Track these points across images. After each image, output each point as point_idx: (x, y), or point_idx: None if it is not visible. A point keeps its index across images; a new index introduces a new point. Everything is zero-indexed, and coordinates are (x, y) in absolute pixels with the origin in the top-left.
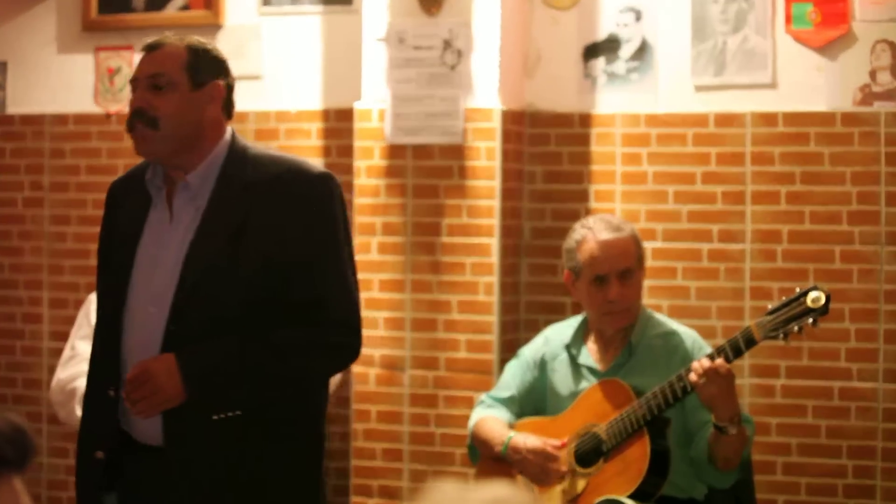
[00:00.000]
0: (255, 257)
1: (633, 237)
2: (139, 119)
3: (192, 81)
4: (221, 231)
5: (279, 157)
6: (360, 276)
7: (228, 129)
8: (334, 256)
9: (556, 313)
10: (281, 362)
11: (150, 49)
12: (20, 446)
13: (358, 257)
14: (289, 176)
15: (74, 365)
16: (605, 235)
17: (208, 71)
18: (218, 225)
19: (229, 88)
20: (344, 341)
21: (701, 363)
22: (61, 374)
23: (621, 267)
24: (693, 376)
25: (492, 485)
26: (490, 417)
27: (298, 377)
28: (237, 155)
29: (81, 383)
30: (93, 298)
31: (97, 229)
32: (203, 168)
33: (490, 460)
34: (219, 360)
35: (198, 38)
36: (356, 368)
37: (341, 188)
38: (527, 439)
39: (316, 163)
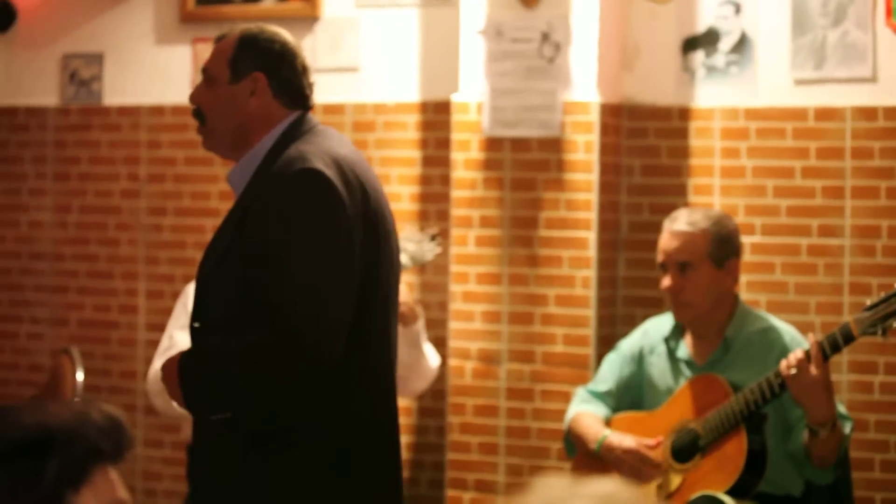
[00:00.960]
0: (244, 254)
1: (706, 234)
2: (194, 114)
3: (232, 75)
4: (229, 229)
5: (297, 149)
6: (457, 268)
7: (287, 120)
8: (293, 259)
9: (654, 308)
10: (222, 368)
11: (215, 42)
12: (116, 438)
13: (454, 250)
14: (276, 170)
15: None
16: (675, 226)
17: (249, 63)
18: (230, 222)
19: (282, 78)
20: (276, 350)
21: (795, 354)
22: (158, 364)
23: (679, 259)
24: (784, 366)
25: (600, 480)
26: (586, 413)
27: (240, 385)
28: (280, 147)
29: None
30: (190, 289)
31: (194, 221)
32: (244, 162)
33: (586, 456)
34: (191, 363)
35: (259, 27)
36: (452, 361)
37: (327, 186)
38: (622, 439)
39: (412, 155)
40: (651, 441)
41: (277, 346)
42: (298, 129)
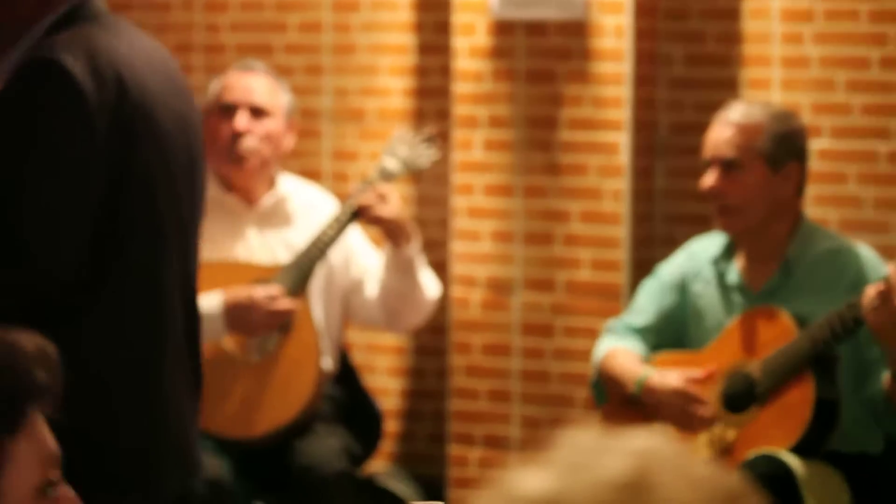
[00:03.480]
0: None
1: (761, 128)
2: None
3: None
4: None
5: (52, 39)
6: (461, 178)
7: (64, 7)
8: (4, 169)
9: (698, 226)
10: None
11: None
12: (49, 373)
13: (457, 156)
14: (19, 63)
15: None
16: (726, 116)
17: None
18: None
19: None
20: None
21: (877, 285)
22: None
23: (725, 155)
24: (864, 300)
25: (637, 432)
26: (620, 349)
27: None
28: (45, 37)
29: None
30: None
31: None
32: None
33: (619, 403)
34: None
35: None
36: (455, 291)
37: (65, 83)
38: (665, 376)
39: (405, 41)
40: (700, 372)
41: None
42: (75, 16)
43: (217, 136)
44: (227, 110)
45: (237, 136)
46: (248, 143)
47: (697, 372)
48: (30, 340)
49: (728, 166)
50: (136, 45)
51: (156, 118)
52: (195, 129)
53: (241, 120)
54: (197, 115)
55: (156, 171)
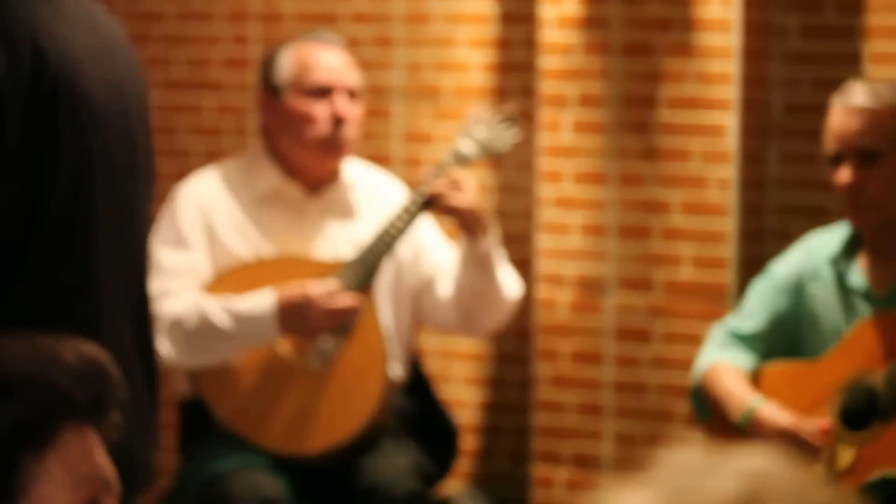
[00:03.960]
0: None
1: (891, 111)
2: None
3: None
4: None
5: None
6: (547, 164)
7: None
8: None
9: (817, 219)
10: None
11: None
12: (95, 387)
13: (543, 139)
14: None
15: (156, 281)
16: (853, 101)
17: None
18: None
19: None
20: None
21: None
22: None
23: (861, 145)
24: None
25: (750, 450)
26: (725, 366)
27: None
28: None
29: (171, 307)
30: (187, 194)
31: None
32: None
33: (724, 419)
34: None
35: None
36: (540, 291)
37: None
38: (777, 415)
39: (484, 10)
40: (816, 425)
41: None
42: None
43: (310, 119)
44: (321, 93)
45: (340, 122)
46: (349, 130)
47: (812, 423)
48: (74, 352)
49: (865, 157)
50: (64, 10)
51: (82, 86)
52: (133, 96)
53: (343, 104)
54: (139, 82)
55: (84, 142)
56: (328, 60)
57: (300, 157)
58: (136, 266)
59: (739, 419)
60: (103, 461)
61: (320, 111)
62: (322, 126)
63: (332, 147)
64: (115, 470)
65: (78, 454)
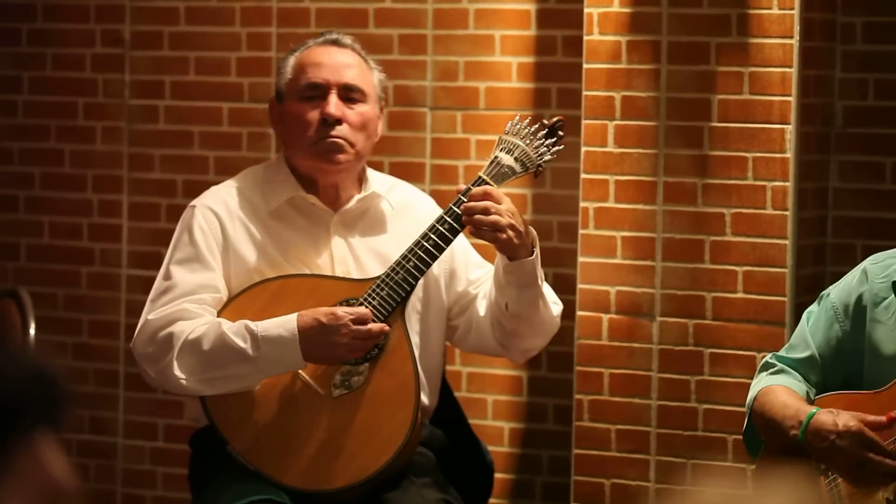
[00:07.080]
0: None
1: None
2: None
3: None
4: None
5: None
6: (590, 176)
7: None
8: None
9: (882, 238)
10: None
11: None
12: (46, 396)
13: (586, 150)
14: None
15: (170, 301)
16: None
17: None
18: None
19: None
20: None
21: None
22: (154, 315)
23: None
24: None
25: (771, 490)
26: (779, 387)
27: None
28: None
29: (182, 328)
30: (204, 207)
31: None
32: None
33: (778, 453)
34: None
35: None
36: (582, 312)
37: None
38: (838, 417)
39: (524, 7)
40: (882, 417)
41: None
42: None
43: (302, 123)
44: (314, 91)
45: (329, 122)
46: (342, 132)
47: (878, 417)
48: (18, 368)
49: None
50: None
51: None
52: None
53: (335, 103)
54: None
55: None
56: (321, 58)
57: (303, 165)
58: None
59: (797, 432)
60: (61, 469)
61: (311, 113)
62: (311, 129)
63: (324, 150)
64: (74, 475)
65: (34, 469)
